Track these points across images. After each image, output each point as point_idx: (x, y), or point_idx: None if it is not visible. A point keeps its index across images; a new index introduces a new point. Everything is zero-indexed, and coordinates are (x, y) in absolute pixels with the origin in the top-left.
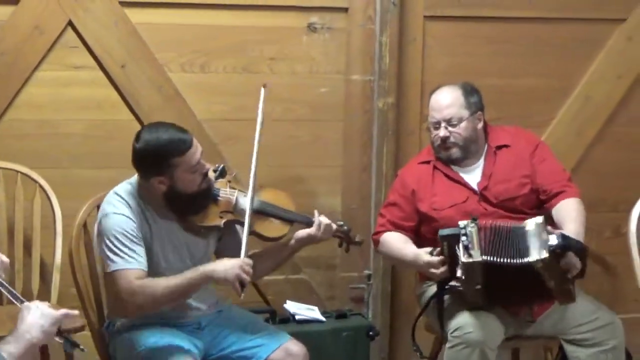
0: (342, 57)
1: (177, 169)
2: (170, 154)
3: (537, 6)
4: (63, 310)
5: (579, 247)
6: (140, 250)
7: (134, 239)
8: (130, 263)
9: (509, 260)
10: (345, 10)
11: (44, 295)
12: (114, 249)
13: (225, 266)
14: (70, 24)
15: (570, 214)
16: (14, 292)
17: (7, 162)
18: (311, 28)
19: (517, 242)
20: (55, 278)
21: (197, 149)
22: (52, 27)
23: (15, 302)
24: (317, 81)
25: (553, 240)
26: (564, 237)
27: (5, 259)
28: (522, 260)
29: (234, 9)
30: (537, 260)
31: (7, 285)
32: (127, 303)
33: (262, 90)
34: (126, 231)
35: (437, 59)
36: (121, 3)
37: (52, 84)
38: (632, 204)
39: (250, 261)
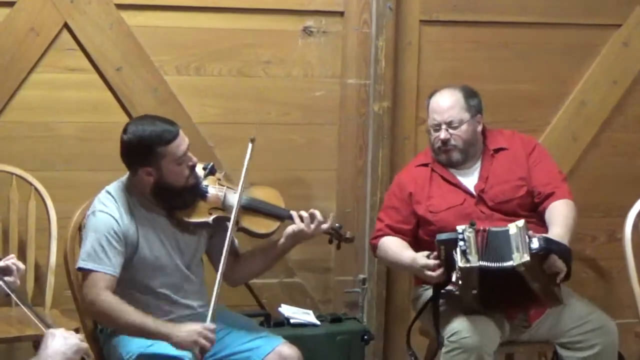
0: (338, 61)
1: (163, 159)
2: (155, 144)
3: (532, 11)
4: (86, 344)
5: (562, 250)
6: (117, 254)
7: (113, 242)
8: (101, 266)
9: (495, 265)
10: (341, 14)
11: (39, 298)
12: (90, 247)
13: (184, 332)
14: (66, 26)
15: (557, 217)
16: (40, 315)
17: (2, 164)
18: (307, 32)
19: (501, 246)
20: (50, 280)
21: (183, 141)
22: (48, 30)
23: (41, 325)
24: (313, 85)
25: (535, 243)
26: (546, 240)
27: (21, 265)
28: (506, 264)
29: (230, 12)
30: (519, 264)
31: (33, 309)
32: (86, 304)
33: (250, 144)
34: (108, 232)
35: (433, 63)
36: (117, 6)
37: (47, 86)
38: (627, 209)
39: (212, 326)
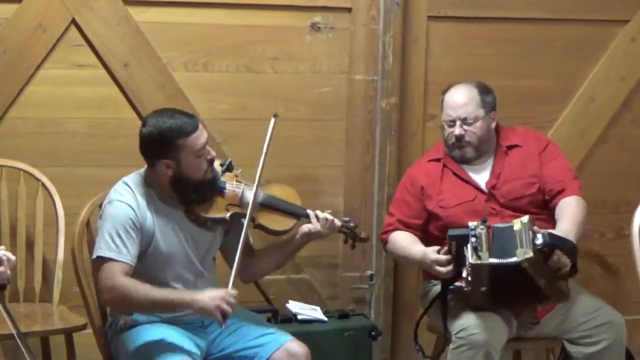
0: (345, 57)
1: (182, 151)
2: (174, 136)
3: (540, 7)
4: None
5: (566, 245)
6: (134, 244)
7: (131, 232)
8: (120, 255)
9: (501, 261)
10: (349, 10)
11: (46, 294)
12: (108, 236)
13: (206, 297)
14: (73, 22)
15: (565, 213)
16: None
17: (9, 160)
18: (314, 28)
19: (506, 242)
20: (58, 276)
21: (202, 133)
22: (56, 26)
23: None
24: (320, 81)
25: (539, 239)
26: (550, 236)
27: (12, 257)
28: (510, 260)
29: (237, 8)
30: (523, 260)
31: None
32: (102, 294)
33: (273, 120)
34: (125, 221)
35: (440, 59)
36: (125, 2)
37: (55, 82)
38: (636, 205)
39: (234, 292)
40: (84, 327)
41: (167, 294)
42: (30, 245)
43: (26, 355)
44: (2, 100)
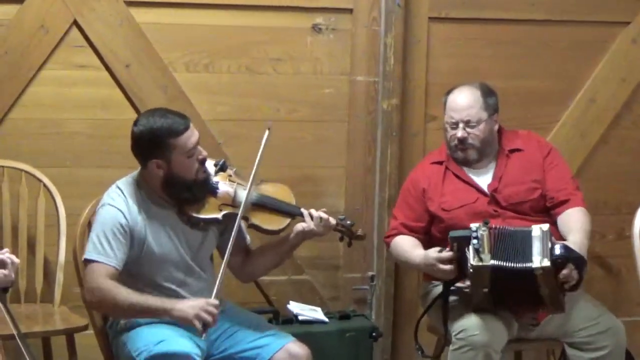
0: (347, 58)
1: (173, 151)
2: (165, 135)
3: (541, 8)
4: None
5: (579, 260)
6: (121, 248)
7: (119, 235)
8: (106, 258)
9: (511, 264)
10: (350, 11)
11: (48, 294)
12: (96, 239)
13: (185, 305)
14: (75, 23)
15: (574, 225)
16: (16, 322)
17: (11, 160)
18: (316, 29)
19: (521, 246)
20: (59, 277)
21: (193, 133)
22: (57, 27)
23: (14, 330)
24: (322, 82)
25: (557, 250)
26: (567, 249)
27: (16, 260)
28: (524, 265)
29: (239, 9)
30: (538, 267)
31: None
32: (86, 294)
33: (267, 132)
34: (114, 225)
35: (442, 60)
36: (126, 3)
37: (56, 83)
38: (636, 207)
39: (216, 302)
40: (85, 327)
41: (146, 299)
42: (31, 246)
43: (26, 356)
44: (4, 101)
